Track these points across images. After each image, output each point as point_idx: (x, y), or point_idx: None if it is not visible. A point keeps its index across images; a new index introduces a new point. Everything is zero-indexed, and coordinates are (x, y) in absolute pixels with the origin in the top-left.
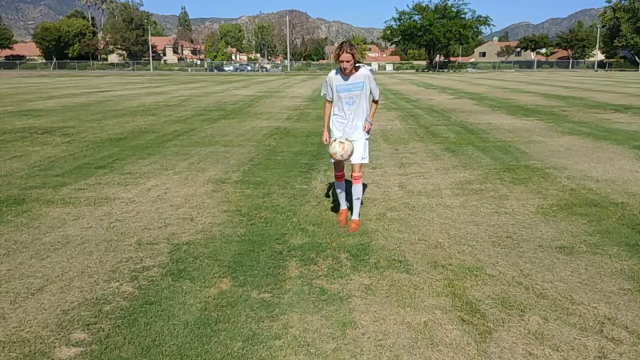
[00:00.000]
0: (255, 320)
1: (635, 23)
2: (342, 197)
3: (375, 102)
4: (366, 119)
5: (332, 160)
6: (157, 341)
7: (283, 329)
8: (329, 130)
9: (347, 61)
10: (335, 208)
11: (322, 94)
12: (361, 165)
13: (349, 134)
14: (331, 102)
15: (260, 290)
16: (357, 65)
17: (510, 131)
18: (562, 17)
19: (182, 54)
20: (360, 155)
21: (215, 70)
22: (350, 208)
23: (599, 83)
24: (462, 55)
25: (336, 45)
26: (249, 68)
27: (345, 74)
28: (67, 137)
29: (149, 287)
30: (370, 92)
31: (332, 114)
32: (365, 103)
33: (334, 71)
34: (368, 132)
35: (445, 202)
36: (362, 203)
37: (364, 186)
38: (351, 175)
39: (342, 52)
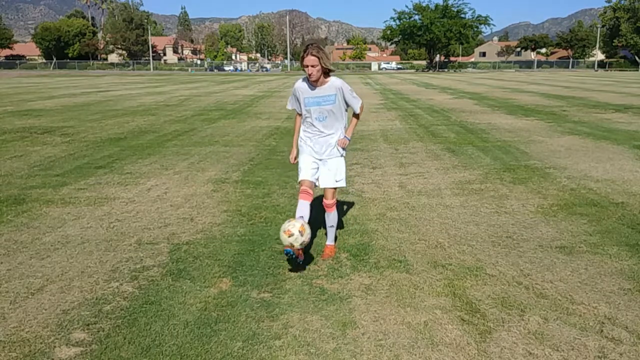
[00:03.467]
0: (255, 320)
1: (635, 23)
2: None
3: (356, 116)
4: (344, 136)
5: (300, 178)
6: (157, 341)
7: (283, 329)
8: (298, 147)
9: (313, 66)
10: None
11: (288, 108)
12: (335, 190)
13: (320, 153)
14: (301, 114)
15: (260, 290)
16: (327, 72)
17: (510, 131)
18: (562, 16)
19: (182, 54)
20: (333, 177)
21: (215, 70)
22: (326, 234)
23: (599, 83)
24: (462, 55)
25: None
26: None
27: (312, 82)
28: (67, 137)
29: (149, 287)
30: (348, 106)
31: (301, 129)
32: (341, 118)
33: (300, 79)
34: (344, 149)
35: (445, 202)
36: (337, 228)
37: (342, 210)
38: (323, 202)
39: (306, 55)
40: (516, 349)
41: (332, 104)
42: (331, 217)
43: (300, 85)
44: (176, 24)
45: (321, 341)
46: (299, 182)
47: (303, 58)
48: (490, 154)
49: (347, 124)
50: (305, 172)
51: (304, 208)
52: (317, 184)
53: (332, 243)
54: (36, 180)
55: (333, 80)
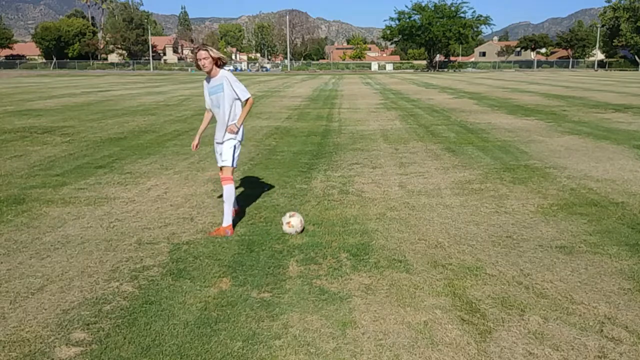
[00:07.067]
0: (255, 319)
1: (635, 22)
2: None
3: (246, 101)
4: (233, 122)
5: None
6: (157, 341)
7: (283, 329)
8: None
9: (204, 58)
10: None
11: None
12: (229, 169)
13: (215, 137)
14: (209, 109)
15: (260, 290)
16: (220, 65)
17: (510, 131)
18: (562, 16)
19: (182, 54)
20: (222, 158)
21: None
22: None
23: (599, 83)
24: (462, 55)
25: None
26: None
27: (207, 74)
28: (67, 136)
29: (149, 287)
30: (236, 94)
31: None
32: (228, 106)
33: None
34: (236, 134)
35: (445, 202)
36: (235, 208)
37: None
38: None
39: (198, 51)
40: (516, 349)
41: (221, 91)
42: (224, 189)
43: (205, 82)
44: (176, 23)
45: (321, 341)
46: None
47: (195, 56)
48: (490, 154)
49: (238, 114)
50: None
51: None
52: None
53: (225, 224)
54: (36, 180)
55: (222, 72)
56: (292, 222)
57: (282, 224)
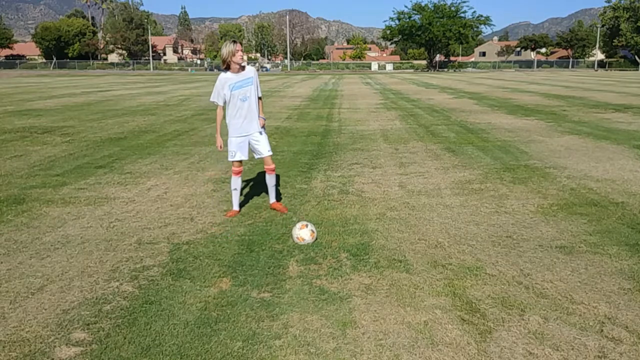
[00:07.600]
0: (255, 319)
1: (635, 22)
2: (236, 195)
3: (260, 98)
4: (259, 116)
5: (231, 159)
6: (157, 341)
7: (283, 329)
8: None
9: (242, 51)
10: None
11: (211, 100)
12: (271, 157)
13: (247, 130)
14: (223, 106)
15: (260, 289)
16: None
17: (510, 131)
18: (562, 16)
19: (182, 54)
20: (267, 148)
21: (215, 70)
22: (269, 194)
23: (599, 83)
24: (462, 55)
25: (229, 46)
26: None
27: (238, 64)
28: (67, 136)
29: (149, 287)
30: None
31: (227, 117)
32: (255, 99)
33: (223, 73)
34: (263, 127)
35: (445, 202)
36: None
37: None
38: (265, 169)
39: (237, 44)
40: (516, 349)
41: (251, 84)
42: (273, 178)
43: (226, 76)
44: (176, 23)
45: (321, 341)
46: (233, 162)
47: (235, 48)
48: (490, 154)
49: (258, 107)
50: (240, 153)
51: (238, 184)
52: (251, 156)
53: (276, 199)
54: (36, 180)
55: (249, 67)
56: (303, 235)
57: (300, 234)
